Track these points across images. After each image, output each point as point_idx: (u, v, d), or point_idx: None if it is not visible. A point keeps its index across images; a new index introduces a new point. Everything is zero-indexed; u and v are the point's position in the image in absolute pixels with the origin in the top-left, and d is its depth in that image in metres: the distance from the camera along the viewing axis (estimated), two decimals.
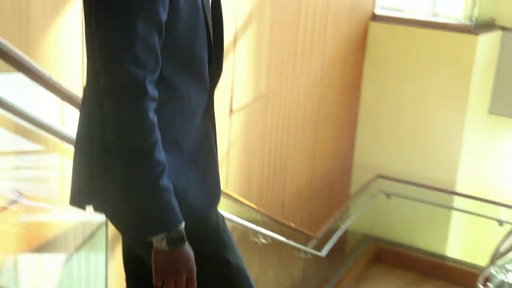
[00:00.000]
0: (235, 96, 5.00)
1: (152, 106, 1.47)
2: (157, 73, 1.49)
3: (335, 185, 7.65)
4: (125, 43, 1.43)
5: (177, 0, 1.49)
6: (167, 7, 1.47)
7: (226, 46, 4.64)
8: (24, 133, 2.59)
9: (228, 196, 4.51)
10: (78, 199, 1.66)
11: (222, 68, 1.74)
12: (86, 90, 1.65)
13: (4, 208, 2.79)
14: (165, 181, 1.49)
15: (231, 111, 4.99)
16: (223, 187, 4.92)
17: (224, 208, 4.50)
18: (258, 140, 5.66)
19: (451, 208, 7.60)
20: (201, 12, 1.57)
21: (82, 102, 1.67)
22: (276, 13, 5.47)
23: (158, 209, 1.49)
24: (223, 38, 1.73)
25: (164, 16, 1.46)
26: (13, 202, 2.88)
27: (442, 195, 7.38)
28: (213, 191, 1.74)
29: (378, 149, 7.85)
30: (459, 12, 7.55)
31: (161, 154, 1.49)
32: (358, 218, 7.40)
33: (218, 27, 1.71)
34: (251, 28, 5.08)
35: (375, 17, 7.53)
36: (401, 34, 7.47)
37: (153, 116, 1.47)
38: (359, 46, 7.46)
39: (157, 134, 1.48)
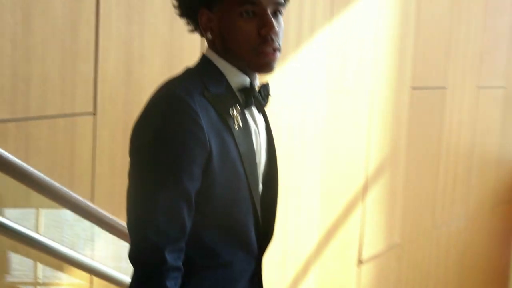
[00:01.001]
0: (364, 246, 4.82)
1: (171, 275, 1.42)
2: (182, 242, 1.45)
3: None
4: (147, 213, 1.42)
5: (211, 168, 1.46)
6: (197, 176, 1.44)
7: (354, 194, 4.59)
8: None
9: None
10: None
11: (272, 233, 1.66)
12: None
13: None
14: None
15: (359, 261, 4.80)
16: None
17: None
18: None
19: None
20: (243, 177, 1.52)
21: None
22: (412, 160, 5.33)
23: None
24: (276, 203, 1.66)
25: (191, 185, 1.44)
26: None
27: None
28: None
29: None
30: None
31: None
32: None
33: (270, 191, 1.65)
34: (384, 175, 4.96)
35: None
36: None
37: (171, 286, 1.42)
38: (508, 196, 7.04)
39: None
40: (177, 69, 2.88)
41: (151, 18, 2.78)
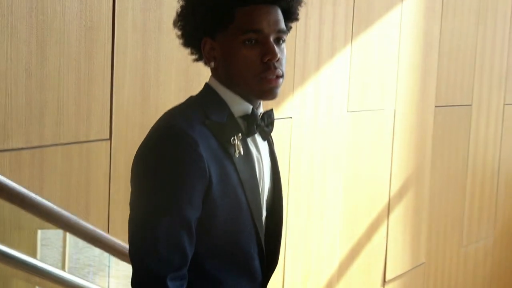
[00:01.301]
0: (389, 266, 4.77)
1: None
2: (184, 270, 1.45)
3: None
4: (148, 241, 1.43)
5: (212, 197, 1.46)
6: (197, 204, 1.44)
7: (378, 214, 4.54)
8: None
9: None
10: None
11: (277, 261, 1.66)
12: None
13: None
14: None
15: (384, 281, 4.75)
16: None
17: None
18: None
19: None
20: (245, 205, 1.51)
21: None
22: (437, 178, 5.27)
23: None
24: (280, 230, 1.66)
25: (191, 214, 1.44)
26: None
27: None
28: None
29: None
30: None
31: None
32: None
33: (274, 219, 1.65)
34: (408, 194, 4.91)
35: None
36: None
37: None
38: None
39: None
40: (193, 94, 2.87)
41: (167, 43, 2.79)
